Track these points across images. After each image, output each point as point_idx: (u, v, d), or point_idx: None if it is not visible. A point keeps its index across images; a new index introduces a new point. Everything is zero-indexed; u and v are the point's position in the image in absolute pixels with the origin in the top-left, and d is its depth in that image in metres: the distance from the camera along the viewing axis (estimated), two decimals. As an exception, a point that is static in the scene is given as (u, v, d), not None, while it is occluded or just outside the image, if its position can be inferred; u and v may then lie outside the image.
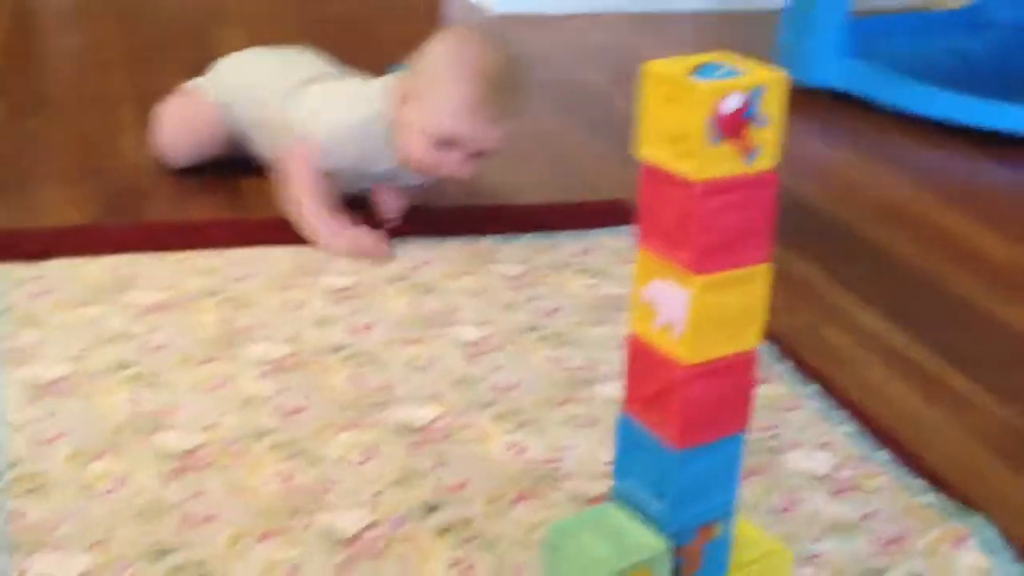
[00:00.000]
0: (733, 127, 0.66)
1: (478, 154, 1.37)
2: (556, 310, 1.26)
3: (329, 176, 1.40)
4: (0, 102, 1.81)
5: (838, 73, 2.05)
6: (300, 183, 1.38)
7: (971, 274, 1.42)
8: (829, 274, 1.39)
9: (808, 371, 1.15)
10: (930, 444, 1.05)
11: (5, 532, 0.86)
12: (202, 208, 1.47)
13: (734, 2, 2.73)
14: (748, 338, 0.71)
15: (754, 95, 0.66)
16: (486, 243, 1.41)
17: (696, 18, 2.67)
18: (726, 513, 0.75)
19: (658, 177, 0.68)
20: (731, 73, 0.66)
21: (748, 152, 0.67)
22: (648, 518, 0.74)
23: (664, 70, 0.66)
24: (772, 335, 1.21)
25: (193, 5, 2.56)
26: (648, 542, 0.72)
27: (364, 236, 1.35)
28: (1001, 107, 1.89)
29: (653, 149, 0.68)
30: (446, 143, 1.34)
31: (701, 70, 0.66)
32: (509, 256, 1.38)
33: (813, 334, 1.25)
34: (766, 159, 0.67)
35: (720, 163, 0.66)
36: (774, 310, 1.25)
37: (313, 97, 1.44)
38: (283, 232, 1.38)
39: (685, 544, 0.74)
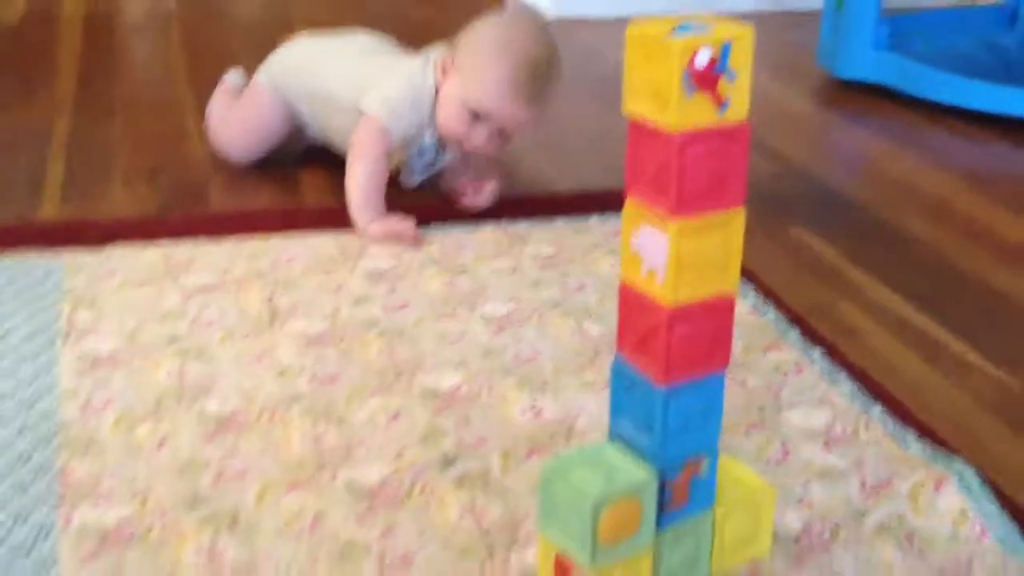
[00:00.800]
0: (705, 80, 0.70)
1: (504, 133, 1.44)
2: (582, 287, 1.30)
3: (390, 155, 1.48)
4: (76, 109, 1.93)
5: (873, 67, 2.09)
6: (362, 165, 1.44)
7: (985, 253, 1.45)
8: (850, 255, 1.42)
9: (815, 338, 1.18)
10: (929, 405, 1.09)
11: (52, 488, 0.93)
12: (258, 198, 1.56)
13: (781, 3, 2.77)
14: (727, 280, 0.75)
15: (724, 49, 0.70)
16: (520, 227, 1.47)
17: (745, 17, 2.70)
18: (711, 449, 0.79)
19: (641, 130, 0.73)
20: (703, 30, 0.71)
21: (720, 104, 0.71)
22: (638, 454, 0.78)
23: (645, 30, 0.71)
24: (785, 306, 1.25)
25: (257, 16, 2.67)
26: (636, 474, 0.77)
27: (399, 223, 1.42)
28: (1024, 95, 1.91)
29: (636, 104, 0.73)
30: (478, 116, 1.42)
31: (677, 29, 0.71)
32: (541, 238, 1.44)
33: (828, 308, 1.28)
34: (737, 110, 0.72)
35: (695, 114, 0.70)
36: (793, 286, 1.32)
37: (372, 76, 1.50)
38: (329, 219, 1.45)
39: (672, 479, 0.78)
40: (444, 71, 1.45)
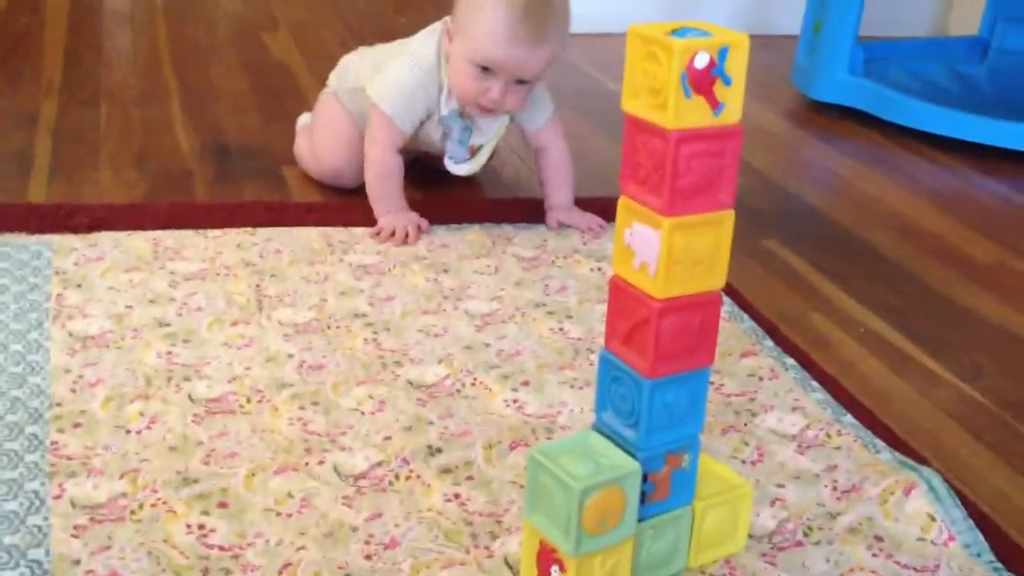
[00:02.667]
0: (703, 82, 0.74)
1: (520, 82, 1.42)
2: (563, 289, 1.33)
3: (413, 139, 1.50)
4: (61, 95, 1.94)
5: (847, 90, 2.15)
6: (370, 160, 1.48)
7: (952, 271, 1.50)
8: (821, 268, 1.47)
9: (789, 347, 1.22)
10: (897, 413, 1.13)
11: (44, 460, 0.95)
12: (243, 192, 1.58)
13: (757, 26, 2.82)
14: (715, 278, 0.78)
15: (721, 53, 0.74)
16: (504, 230, 1.50)
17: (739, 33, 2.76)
18: (692, 444, 0.82)
19: (639, 128, 0.76)
20: (702, 35, 0.74)
21: (715, 106, 0.74)
22: (622, 445, 0.81)
23: (647, 31, 0.74)
24: (761, 317, 1.29)
25: (241, 11, 2.69)
26: (621, 463, 0.80)
27: (402, 225, 1.43)
28: (992, 124, 1.97)
29: (635, 102, 0.76)
30: (488, 69, 1.40)
31: (677, 32, 0.75)
32: (524, 241, 1.47)
33: (800, 318, 1.33)
34: (731, 113, 0.75)
35: (692, 115, 0.73)
36: (767, 296, 1.36)
37: (383, 58, 1.52)
38: (316, 215, 1.48)
39: (655, 471, 0.81)
40: (449, 37, 1.44)
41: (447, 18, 1.48)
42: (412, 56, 1.48)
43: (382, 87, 1.48)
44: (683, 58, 0.72)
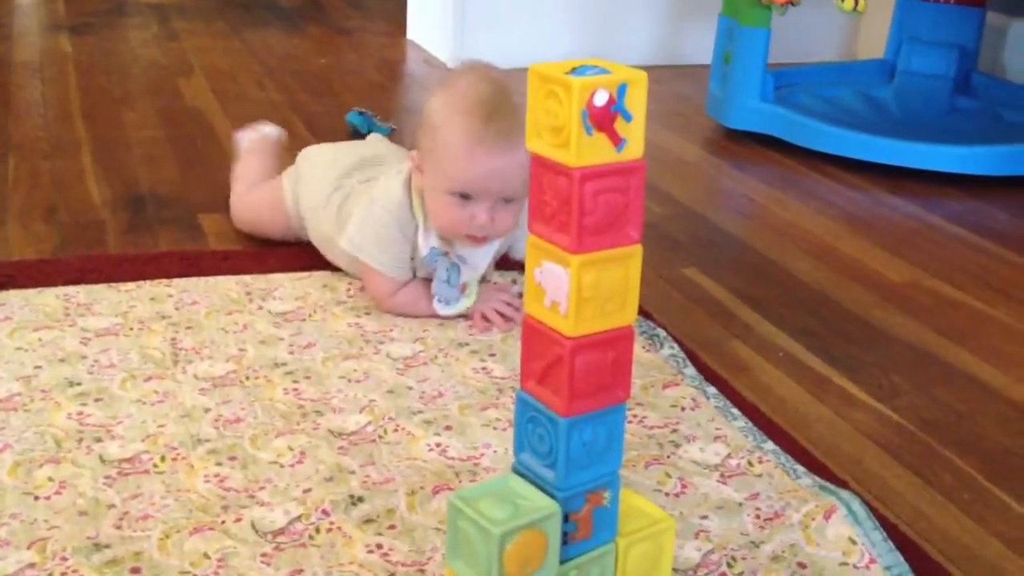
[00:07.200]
0: (603, 119, 0.74)
1: (506, 200, 1.28)
2: (486, 327, 1.33)
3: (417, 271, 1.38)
4: (-34, 151, 1.89)
5: (759, 118, 2.18)
6: (393, 308, 1.36)
7: (867, 292, 1.53)
8: (742, 295, 1.48)
9: (709, 375, 1.23)
10: (816, 437, 1.15)
11: (-52, 534, 0.91)
12: (158, 242, 1.55)
13: (672, 57, 2.86)
14: (626, 313, 0.78)
15: (620, 90, 0.74)
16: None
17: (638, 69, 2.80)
18: (612, 481, 0.81)
19: (543, 166, 0.76)
20: (601, 73, 0.74)
21: (617, 143, 0.74)
22: (542, 486, 0.80)
23: (546, 71, 0.74)
24: (681, 345, 1.30)
25: (154, 59, 2.66)
26: (540, 505, 0.79)
27: (497, 302, 1.35)
28: (901, 145, 2.02)
29: (538, 141, 0.75)
30: (466, 196, 1.27)
31: (577, 71, 0.75)
32: (444, 281, 1.46)
33: (720, 345, 1.34)
34: (634, 149, 0.75)
35: (594, 152, 0.73)
36: (687, 324, 1.37)
37: (352, 214, 1.38)
38: (232, 262, 1.45)
39: (575, 510, 0.80)
40: (419, 170, 1.32)
41: (411, 151, 1.35)
42: (378, 196, 1.35)
43: (358, 238, 1.35)
44: (582, 96, 0.72)
